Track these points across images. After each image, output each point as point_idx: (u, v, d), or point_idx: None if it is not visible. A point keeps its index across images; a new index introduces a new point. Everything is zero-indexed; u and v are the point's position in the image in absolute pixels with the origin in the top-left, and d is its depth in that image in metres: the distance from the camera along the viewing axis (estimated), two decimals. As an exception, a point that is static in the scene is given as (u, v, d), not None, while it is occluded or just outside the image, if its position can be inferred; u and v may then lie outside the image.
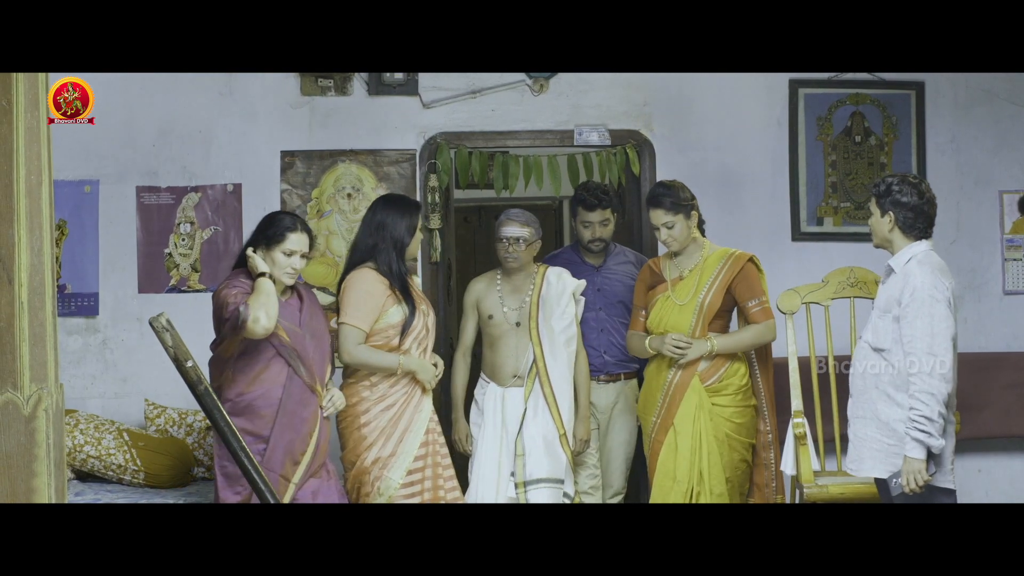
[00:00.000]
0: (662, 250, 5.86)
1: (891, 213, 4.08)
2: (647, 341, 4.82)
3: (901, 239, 4.10)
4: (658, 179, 5.89)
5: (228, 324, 4.07)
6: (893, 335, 4.01)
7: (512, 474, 4.84)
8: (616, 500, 5.25)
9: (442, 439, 4.68)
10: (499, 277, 5.11)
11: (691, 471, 4.68)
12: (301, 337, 4.25)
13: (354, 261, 4.62)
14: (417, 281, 4.76)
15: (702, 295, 4.74)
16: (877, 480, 4.16)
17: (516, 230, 4.99)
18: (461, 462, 5.00)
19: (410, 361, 4.53)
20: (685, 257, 4.86)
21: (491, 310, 5.03)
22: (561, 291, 5.02)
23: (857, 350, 4.22)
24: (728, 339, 4.75)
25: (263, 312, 4.05)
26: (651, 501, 4.84)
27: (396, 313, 4.52)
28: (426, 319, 4.62)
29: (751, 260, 4.81)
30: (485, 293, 5.07)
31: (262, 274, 4.19)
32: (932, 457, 3.89)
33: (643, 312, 4.92)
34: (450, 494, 4.61)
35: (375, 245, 4.57)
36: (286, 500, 4.12)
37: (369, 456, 4.46)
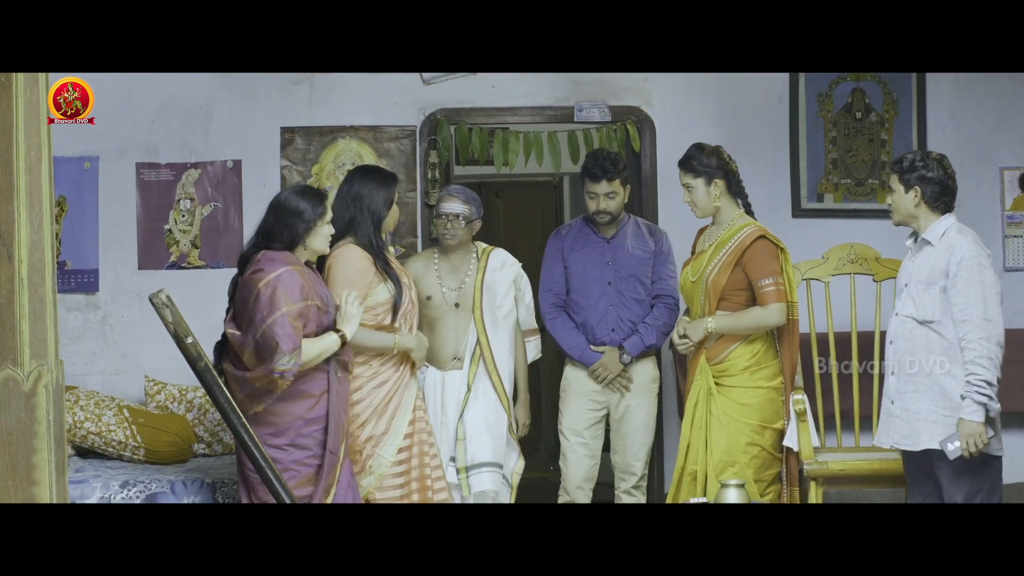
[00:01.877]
0: (664, 223, 5.84)
1: (917, 188, 4.11)
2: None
3: (927, 214, 4.13)
4: (659, 156, 5.88)
5: (265, 352, 3.96)
6: (942, 306, 4.04)
7: (452, 459, 4.73)
8: (637, 490, 5.10)
9: (427, 416, 4.64)
10: (436, 256, 4.93)
11: (684, 448, 4.67)
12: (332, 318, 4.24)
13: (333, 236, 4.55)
14: (392, 251, 4.70)
15: (708, 271, 4.64)
16: (908, 453, 4.17)
17: (456, 206, 4.81)
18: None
19: (406, 339, 4.49)
20: (715, 228, 4.74)
21: (430, 290, 4.82)
22: (502, 277, 4.91)
23: (894, 327, 4.21)
24: (726, 320, 4.60)
25: (296, 369, 3.99)
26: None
27: (383, 291, 4.46)
28: (411, 293, 4.57)
29: (764, 236, 4.62)
30: (423, 273, 4.85)
31: (338, 330, 4.15)
32: (989, 421, 3.93)
33: None
34: (435, 472, 4.57)
35: (352, 218, 4.48)
36: (335, 475, 4.15)
37: (362, 434, 4.44)
